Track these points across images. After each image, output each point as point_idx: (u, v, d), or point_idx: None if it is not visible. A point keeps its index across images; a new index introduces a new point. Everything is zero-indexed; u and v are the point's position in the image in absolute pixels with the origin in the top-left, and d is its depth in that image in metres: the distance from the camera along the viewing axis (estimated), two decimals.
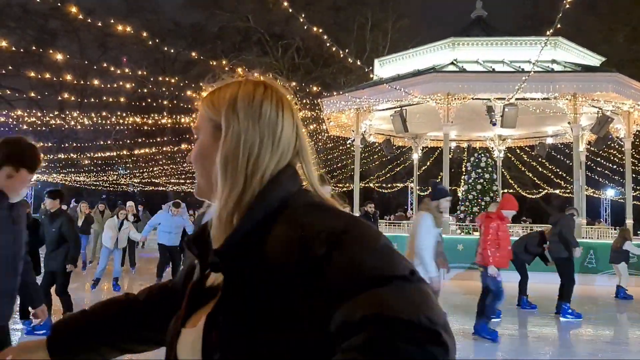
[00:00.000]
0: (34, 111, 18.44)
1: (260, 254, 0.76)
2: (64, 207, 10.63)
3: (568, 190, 20.95)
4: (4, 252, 2.31)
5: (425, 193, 24.82)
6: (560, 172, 21.52)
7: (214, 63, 12.15)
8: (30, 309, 2.89)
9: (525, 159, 20.10)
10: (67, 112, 19.07)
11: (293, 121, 0.89)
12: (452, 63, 13.18)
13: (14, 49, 15.21)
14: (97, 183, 30.19)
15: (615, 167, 19.57)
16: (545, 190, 23.75)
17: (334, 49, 10.20)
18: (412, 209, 21.97)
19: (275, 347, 0.71)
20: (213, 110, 0.88)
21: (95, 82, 14.18)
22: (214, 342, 0.75)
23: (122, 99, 18.81)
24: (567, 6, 7.79)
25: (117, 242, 9.03)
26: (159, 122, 17.76)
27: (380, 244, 0.73)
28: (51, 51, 11.73)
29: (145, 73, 16.55)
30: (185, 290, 0.93)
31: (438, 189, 5.08)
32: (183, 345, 0.84)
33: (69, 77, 15.41)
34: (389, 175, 25.01)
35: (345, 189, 23.32)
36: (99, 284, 8.73)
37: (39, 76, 13.69)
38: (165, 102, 17.63)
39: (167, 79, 17.49)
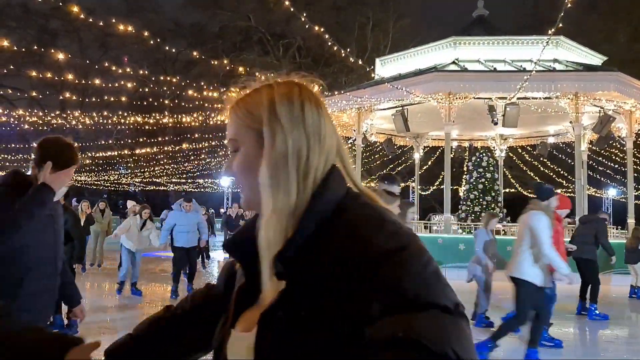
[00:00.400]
0: (35, 111, 18.46)
1: (317, 259, 0.77)
2: None
3: (570, 190, 20.91)
4: (46, 252, 2.35)
5: (427, 192, 24.60)
6: (561, 172, 21.50)
7: (215, 63, 12.15)
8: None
9: (527, 158, 20.07)
10: (69, 112, 19.09)
11: (330, 120, 0.89)
12: (453, 62, 13.17)
13: (15, 48, 15.21)
14: (99, 182, 30.22)
15: (617, 166, 19.54)
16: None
17: (335, 48, 10.20)
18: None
19: (324, 352, 0.73)
20: (252, 118, 0.86)
21: (97, 81, 14.20)
22: (268, 344, 0.77)
23: (123, 99, 18.84)
24: (569, 5, 7.78)
25: (137, 243, 8.34)
26: (160, 122, 17.76)
27: (429, 270, 0.73)
28: (52, 51, 11.75)
29: (146, 73, 16.54)
30: (228, 295, 0.95)
31: (544, 188, 4.97)
32: (236, 348, 0.85)
33: (70, 77, 15.42)
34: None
35: None
36: (123, 287, 8.33)
37: (40, 76, 13.69)
38: (166, 102, 17.63)
39: (168, 79, 17.49)
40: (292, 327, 0.75)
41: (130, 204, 12.22)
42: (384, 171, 24.41)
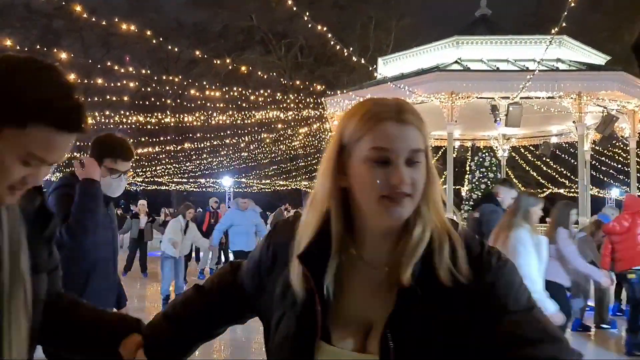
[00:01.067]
0: None
1: (429, 277, 0.86)
2: None
3: (572, 190, 20.85)
4: (107, 250, 2.45)
5: None
6: (564, 172, 21.42)
7: (217, 62, 12.16)
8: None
9: (530, 158, 20.00)
10: None
11: None
12: (456, 62, 13.12)
13: (18, 48, 15.20)
14: None
15: (620, 166, 19.47)
16: (550, 190, 23.65)
17: (337, 47, 10.17)
18: None
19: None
20: (426, 131, 0.90)
21: (99, 81, 14.19)
22: None
23: (125, 98, 18.83)
24: (572, 4, 7.75)
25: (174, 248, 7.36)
26: (162, 122, 17.76)
27: (522, 280, 0.89)
28: (55, 50, 11.77)
29: (148, 72, 16.52)
30: (257, 297, 1.03)
31: None
32: None
33: (72, 76, 15.42)
34: None
35: None
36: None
37: None
38: (168, 101, 17.63)
39: (170, 78, 17.49)
40: (415, 349, 0.82)
41: (141, 203, 12.02)
42: None
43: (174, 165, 26.13)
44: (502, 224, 3.65)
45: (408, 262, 0.85)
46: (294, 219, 1.02)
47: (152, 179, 28.59)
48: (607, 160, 19.68)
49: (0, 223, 0.99)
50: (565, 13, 7.99)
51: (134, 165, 28.31)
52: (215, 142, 21.79)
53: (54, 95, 0.91)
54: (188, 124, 17.74)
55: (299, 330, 0.89)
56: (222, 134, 21.11)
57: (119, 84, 13.82)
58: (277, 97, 15.70)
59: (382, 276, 0.89)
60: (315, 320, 0.88)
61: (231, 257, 12.52)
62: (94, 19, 9.94)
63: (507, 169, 18.01)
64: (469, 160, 17.54)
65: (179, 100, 17.72)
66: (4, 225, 0.99)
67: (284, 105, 16.09)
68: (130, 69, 12.93)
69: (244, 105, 17.21)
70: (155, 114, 17.31)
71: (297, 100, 14.87)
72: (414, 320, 0.82)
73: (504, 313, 0.82)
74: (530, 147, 18.25)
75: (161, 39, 11.95)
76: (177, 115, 17.57)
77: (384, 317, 0.84)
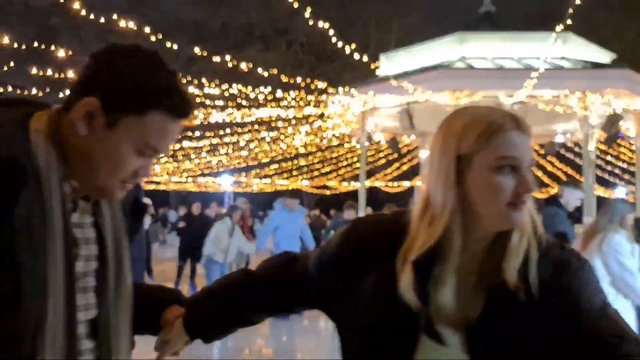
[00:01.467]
0: None
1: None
2: None
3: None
4: (136, 251, 2.44)
5: None
6: (568, 172, 21.31)
7: (219, 59, 12.00)
8: None
9: (534, 157, 19.89)
10: None
11: None
12: (460, 60, 12.99)
13: (15, 45, 15.02)
14: None
15: (625, 166, 19.36)
16: (555, 189, 23.52)
17: (339, 44, 10.01)
18: None
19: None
20: None
21: None
22: None
23: None
24: (578, 2, 7.64)
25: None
26: None
27: (598, 280, 0.95)
28: (52, 48, 11.60)
29: None
30: (323, 294, 1.04)
31: None
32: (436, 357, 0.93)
33: (70, 74, 15.23)
34: (395, 173, 24.83)
35: (351, 187, 23.17)
36: None
37: (41, 73, 13.52)
38: None
39: None
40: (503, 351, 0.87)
41: (144, 202, 11.73)
42: (390, 171, 24.24)
43: (174, 164, 26.01)
44: (594, 227, 3.75)
45: (509, 266, 0.89)
46: (377, 219, 1.07)
47: (150, 179, 28.48)
48: (612, 159, 19.58)
49: (103, 218, 0.96)
50: (570, 10, 7.87)
51: None
52: (215, 141, 21.64)
53: (169, 83, 0.92)
54: (187, 122, 17.57)
55: (399, 335, 0.92)
56: (221, 132, 20.95)
57: None
58: (276, 95, 15.53)
59: (474, 279, 0.93)
60: (418, 323, 0.91)
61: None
62: (91, 16, 9.75)
63: None
64: None
65: None
66: (106, 221, 0.97)
67: (286, 104, 15.94)
68: None
69: (243, 103, 17.03)
70: None
71: (297, 98, 14.71)
72: (502, 322, 0.87)
73: (579, 312, 0.86)
74: (535, 147, 18.11)
75: (160, 36, 11.75)
76: None
77: (474, 319, 0.89)
